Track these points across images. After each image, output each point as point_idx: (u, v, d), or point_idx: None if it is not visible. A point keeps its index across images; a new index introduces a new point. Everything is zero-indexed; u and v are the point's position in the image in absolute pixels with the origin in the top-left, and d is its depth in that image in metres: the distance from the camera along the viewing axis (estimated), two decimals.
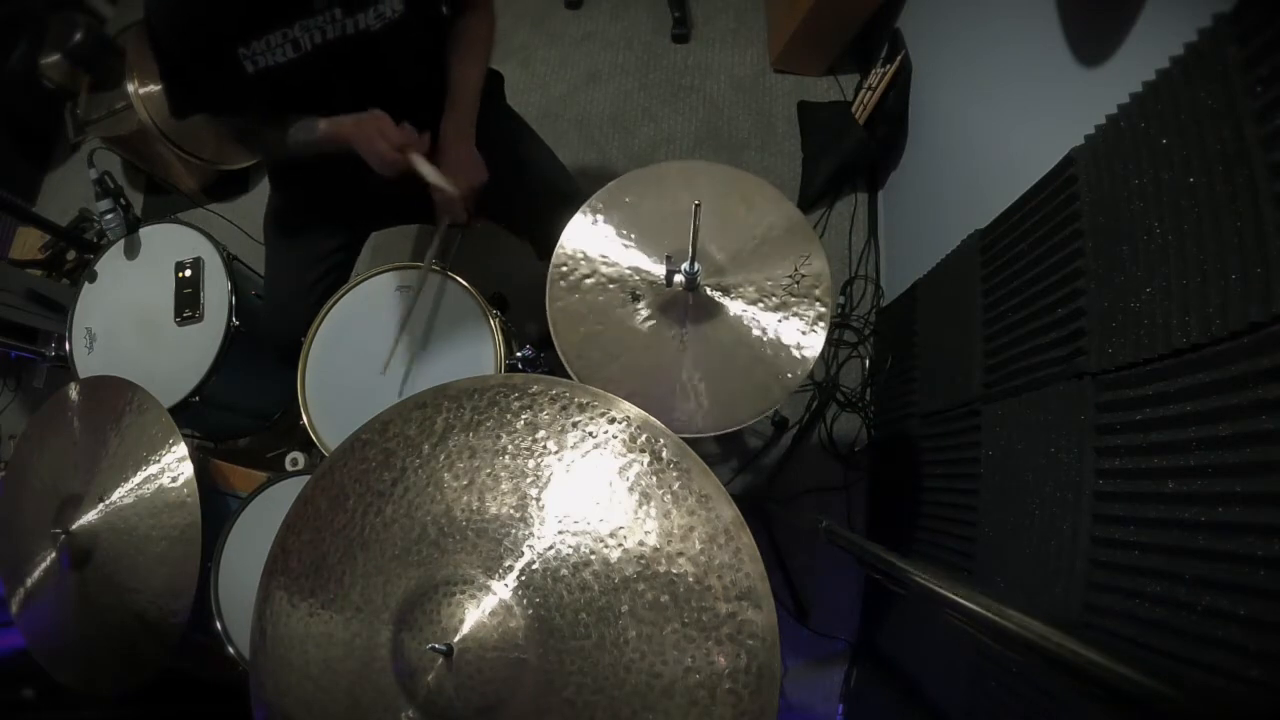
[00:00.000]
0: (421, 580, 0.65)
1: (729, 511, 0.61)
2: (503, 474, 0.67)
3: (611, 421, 0.66)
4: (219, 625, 1.11)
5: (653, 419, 0.66)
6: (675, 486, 0.63)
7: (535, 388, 0.69)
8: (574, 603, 0.61)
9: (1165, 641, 0.65)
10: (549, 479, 0.66)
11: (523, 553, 0.64)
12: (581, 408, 0.67)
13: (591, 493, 0.64)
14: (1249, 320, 0.59)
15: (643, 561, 0.61)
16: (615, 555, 0.62)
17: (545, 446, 0.67)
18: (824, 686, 1.53)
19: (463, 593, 0.63)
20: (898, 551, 0.73)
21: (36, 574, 1.08)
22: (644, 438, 0.65)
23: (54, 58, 2.00)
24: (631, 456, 0.64)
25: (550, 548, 0.63)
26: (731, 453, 1.73)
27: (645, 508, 0.63)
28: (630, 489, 0.63)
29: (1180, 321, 0.67)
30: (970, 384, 1.10)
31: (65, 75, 2.02)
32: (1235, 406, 0.61)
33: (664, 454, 0.64)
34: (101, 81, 2.04)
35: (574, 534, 0.63)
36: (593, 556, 0.62)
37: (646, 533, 0.62)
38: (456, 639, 0.61)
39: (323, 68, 1.05)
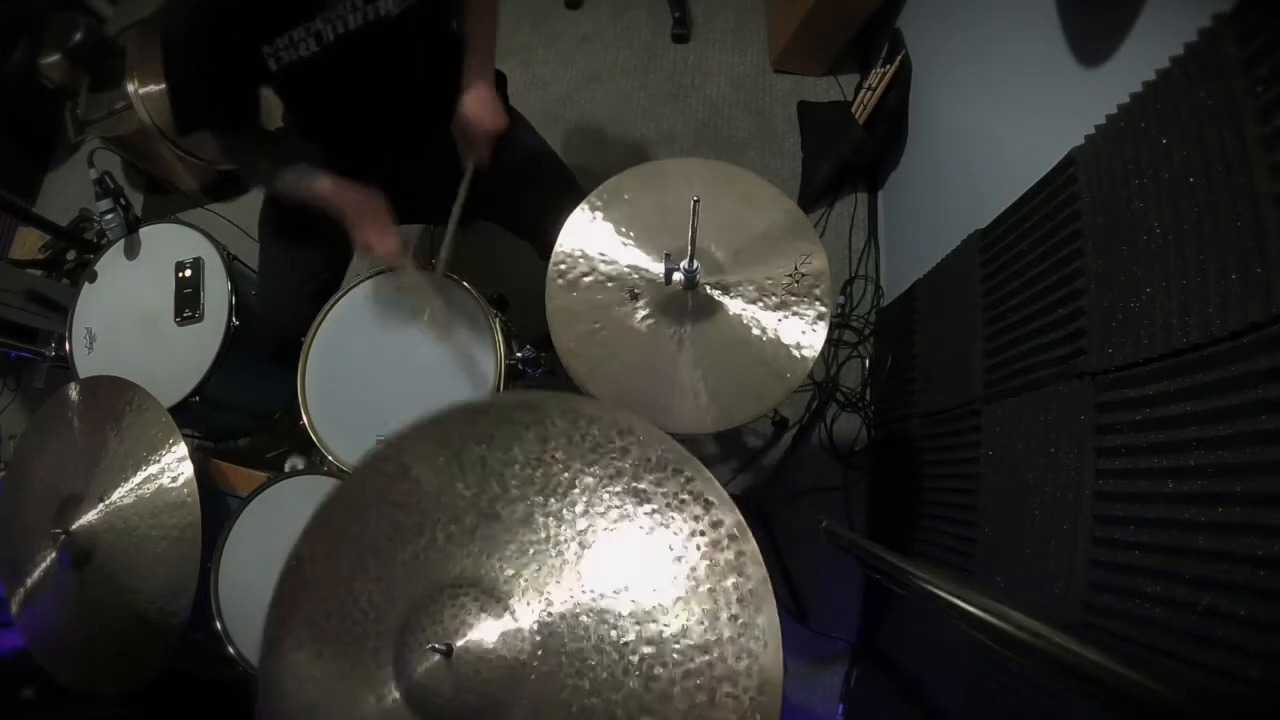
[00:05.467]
0: (428, 586, 0.65)
1: (731, 517, 0.61)
2: (512, 484, 0.67)
3: (619, 434, 0.66)
4: (219, 625, 1.11)
5: (661, 431, 0.66)
6: (680, 495, 0.63)
7: (552, 403, 0.69)
8: (575, 607, 0.61)
9: (1165, 641, 0.65)
10: (555, 488, 0.66)
11: (528, 559, 0.64)
12: (591, 420, 0.67)
13: (599, 505, 0.64)
14: (1249, 320, 0.59)
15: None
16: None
17: (555, 457, 0.67)
18: (824, 686, 1.53)
19: (466, 595, 0.63)
20: (898, 551, 0.73)
21: (36, 574, 1.08)
22: (659, 453, 0.65)
23: (54, 58, 2.00)
24: (641, 470, 0.64)
25: (558, 553, 0.63)
26: (731, 453, 1.73)
27: (652, 516, 0.63)
28: (638, 500, 0.63)
29: (1180, 321, 0.67)
30: (970, 384, 1.10)
31: (65, 75, 2.02)
32: (1235, 406, 0.61)
33: (652, 457, 0.64)
34: (101, 81, 2.04)
35: (581, 543, 0.63)
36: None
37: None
38: (459, 642, 0.61)
39: (346, 59, 1.05)
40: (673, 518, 0.62)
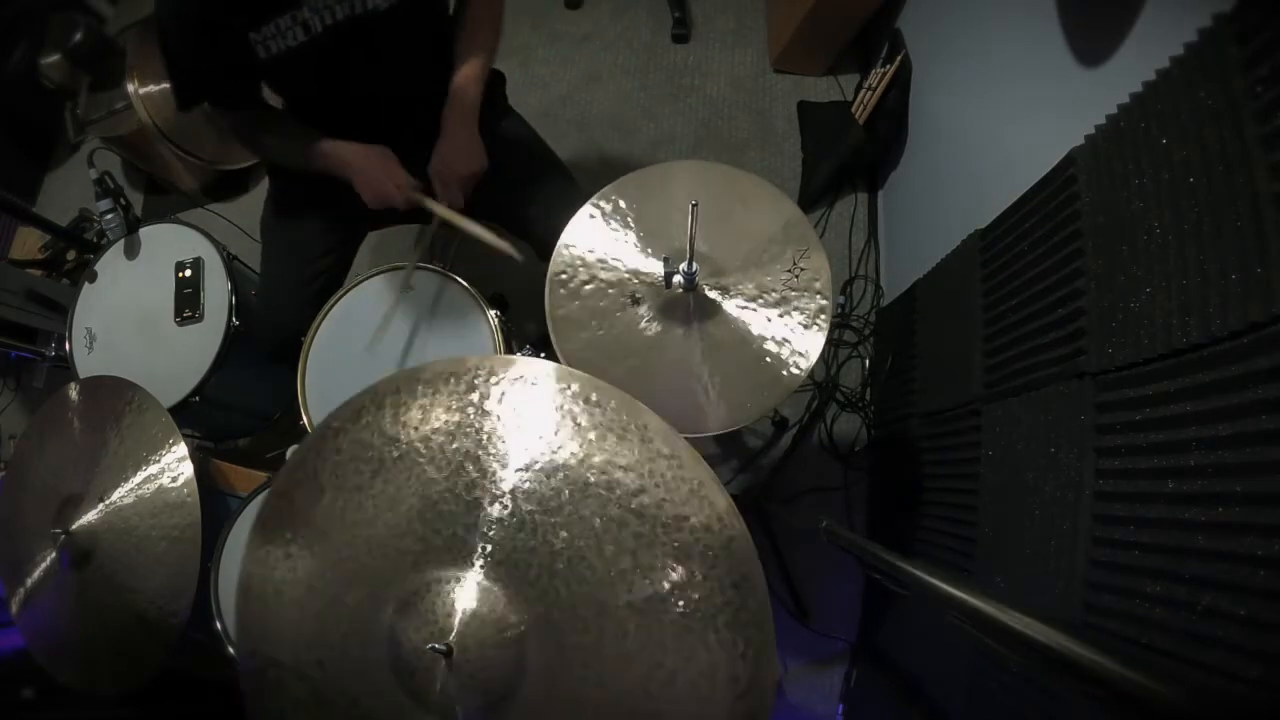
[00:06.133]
0: (415, 580, 0.65)
1: (723, 500, 0.62)
2: (491, 464, 0.66)
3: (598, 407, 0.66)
4: (219, 625, 1.11)
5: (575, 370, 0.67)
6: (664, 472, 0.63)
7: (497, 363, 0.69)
8: (543, 546, 0.62)
9: (1165, 641, 0.65)
10: (499, 443, 0.66)
11: (519, 551, 0.63)
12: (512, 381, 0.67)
13: (543, 434, 0.65)
14: (1249, 320, 0.59)
15: (608, 487, 0.62)
16: (587, 477, 0.63)
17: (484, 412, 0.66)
18: (824, 686, 1.53)
19: (450, 581, 0.63)
20: (898, 551, 0.73)
21: (36, 574, 1.08)
22: (575, 386, 0.66)
23: (54, 58, 2.00)
24: (570, 404, 0.65)
25: (517, 495, 0.64)
26: (731, 453, 1.73)
27: (602, 442, 0.64)
28: (578, 425, 0.64)
29: (1180, 321, 0.67)
30: (970, 384, 1.10)
31: (65, 75, 2.02)
32: (1235, 406, 0.61)
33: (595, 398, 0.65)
34: (101, 81, 2.04)
35: (537, 475, 0.64)
36: (564, 481, 0.63)
37: (607, 460, 0.63)
38: (453, 636, 0.61)
39: (333, 50, 1.06)
40: (661, 495, 0.62)
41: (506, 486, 0.64)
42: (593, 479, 0.63)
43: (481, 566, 0.63)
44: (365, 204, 1.12)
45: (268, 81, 1.15)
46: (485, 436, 0.66)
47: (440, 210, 1.12)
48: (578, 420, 0.64)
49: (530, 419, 0.65)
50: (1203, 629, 0.61)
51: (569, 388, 0.66)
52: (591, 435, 0.64)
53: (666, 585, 0.60)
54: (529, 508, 0.63)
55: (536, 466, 0.64)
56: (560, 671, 0.61)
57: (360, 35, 1.06)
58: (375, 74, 1.12)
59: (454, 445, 0.66)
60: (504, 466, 0.65)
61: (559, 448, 0.64)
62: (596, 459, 0.63)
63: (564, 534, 0.62)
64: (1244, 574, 0.58)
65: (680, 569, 0.60)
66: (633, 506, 0.62)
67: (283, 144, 1.17)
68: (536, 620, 0.62)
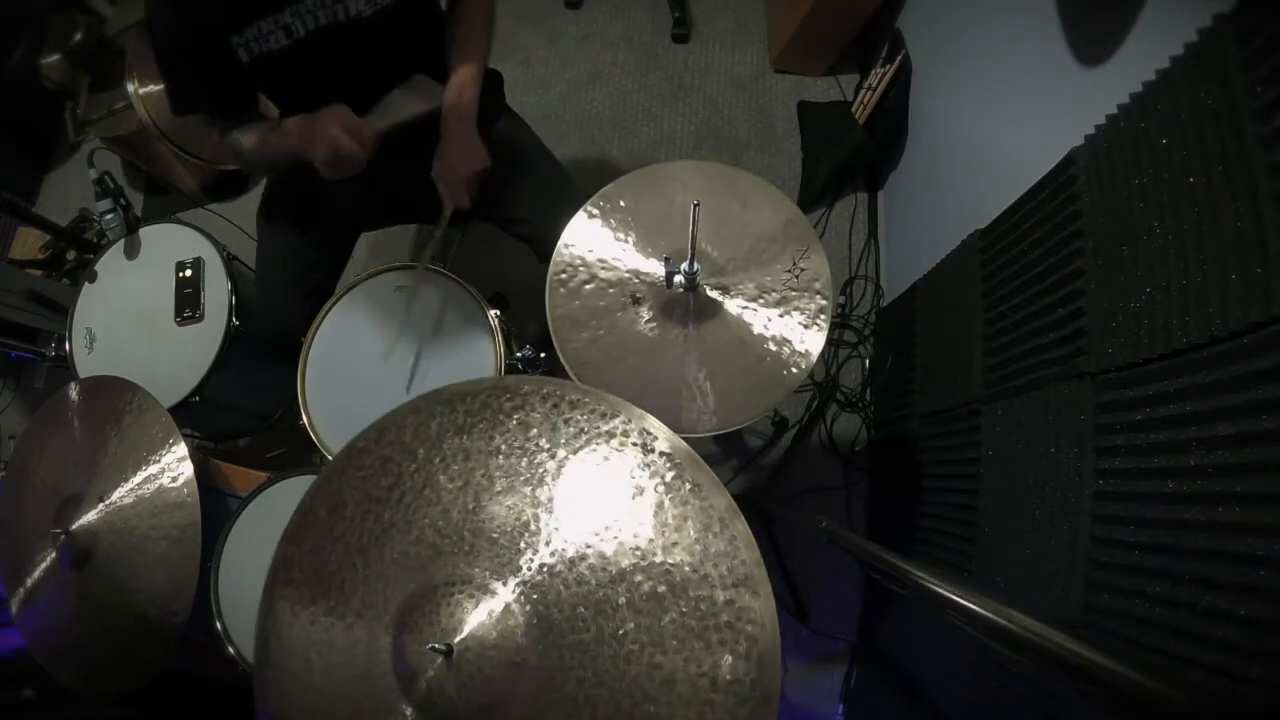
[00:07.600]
0: (421, 583, 0.65)
1: (722, 500, 0.61)
2: (497, 474, 0.67)
3: (603, 418, 0.66)
4: (219, 625, 1.11)
5: (643, 412, 0.66)
6: (668, 477, 0.63)
7: (526, 388, 0.69)
8: (571, 597, 0.61)
9: (1165, 641, 0.65)
10: (542, 477, 0.66)
11: (519, 550, 0.64)
12: (573, 405, 0.67)
13: (585, 488, 0.64)
14: (1249, 320, 0.59)
15: (638, 553, 0.61)
16: (610, 549, 0.62)
17: (538, 444, 0.67)
18: (824, 686, 1.53)
19: (461, 593, 0.63)
20: (898, 551, 0.73)
21: (36, 574, 1.08)
22: (636, 431, 0.65)
23: (54, 58, 2.00)
24: (624, 451, 0.64)
25: (546, 544, 0.63)
26: (731, 453, 1.73)
27: (639, 499, 0.63)
28: (623, 483, 0.63)
29: (1180, 321, 0.67)
30: (970, 384, 1.10)
31: (65, 75, 2.02)
32: (1235, 406, 0.61)
33: (655, 446, 0.64)
34: (101, 81, 2.04)
35: (569, 530, 0.63)
36: (588, 550, 0.62)
37: (640, 524, 0.62)
38: (457, 640, 0.61)
39: (317, 55, 1.05)
40: (663, 503, 0.62)
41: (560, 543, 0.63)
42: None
43: (509, 584, 0.63)
44: (326, 177, 1.06)
45: (255, 86, 1.14)
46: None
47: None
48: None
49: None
50: (1203, 629, 0.61)
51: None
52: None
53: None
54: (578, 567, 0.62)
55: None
56: (557, 672, 0.60)
57: (344, 41, 1.05)
58: (361, 79, 1.11)
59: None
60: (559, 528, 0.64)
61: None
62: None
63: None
64: (1244, 574, 0.58)
65: (720, 647, 0.58)
66: (677, 584, 0.60)
67: (253, 138, 1.13)
68: (539, 631, 0.61)
